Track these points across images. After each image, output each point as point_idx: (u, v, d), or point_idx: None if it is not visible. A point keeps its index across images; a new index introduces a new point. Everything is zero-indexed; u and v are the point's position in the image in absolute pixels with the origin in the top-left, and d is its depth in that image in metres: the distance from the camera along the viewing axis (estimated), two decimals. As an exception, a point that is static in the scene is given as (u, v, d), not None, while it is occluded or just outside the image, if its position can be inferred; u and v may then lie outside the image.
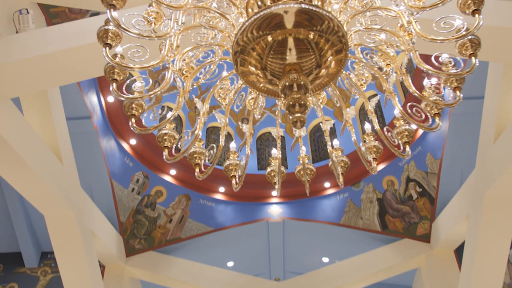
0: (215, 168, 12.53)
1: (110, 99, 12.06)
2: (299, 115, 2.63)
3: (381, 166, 13.73)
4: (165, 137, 3.44)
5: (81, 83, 10.83)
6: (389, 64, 3.63)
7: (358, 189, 14.12)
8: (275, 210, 14.56)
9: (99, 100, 11.79)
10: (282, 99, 3.67)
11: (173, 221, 13.92)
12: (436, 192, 12.68)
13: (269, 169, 4.09)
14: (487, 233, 9.59)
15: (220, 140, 3.83)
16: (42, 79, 6.68)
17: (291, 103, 2.69)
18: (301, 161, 4.05)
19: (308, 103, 2.71)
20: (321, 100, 4.14)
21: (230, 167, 3.81)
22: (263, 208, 14.58)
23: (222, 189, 14.45)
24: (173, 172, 13.85)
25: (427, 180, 12.87)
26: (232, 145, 3.99)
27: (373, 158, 3.80)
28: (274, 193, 14.66)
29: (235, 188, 3.79)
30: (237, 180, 3.79)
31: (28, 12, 6.92)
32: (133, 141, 13.01)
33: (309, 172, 3.99)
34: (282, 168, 4.02)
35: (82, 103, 10.90)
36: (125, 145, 12.86)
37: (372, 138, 3.86)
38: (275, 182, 4.03)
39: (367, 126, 4.01)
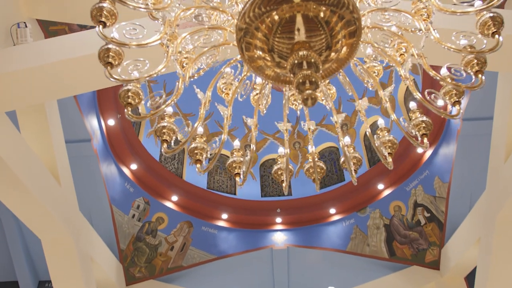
0: (217, 194, 12.32)
1: (111, 122, 11.88)
2: (309, 91, 2.38)
3: (387, 191, 13.44)
4: (163, 130, 3.19)
5: (81, 106, 10.67)
6: (403, 54, 3.38)
7: (364, 215, 13.78)
8: (279, 237, 14.19)
9: (99, 124, 11.60)
10: (291, 89, 3.46)
11: (175, 248, 13.55)
12: (445, 217, 12.34)
13: (275, 167, 3.80)
14: (500, 257, 9.23)
15: (223, 134, 3.56)
16: (39, 91, 6.49)
17: (301, 80, 2.44)
18: (310, 159, 3.75)
19: (319, 81, 2.46)
20: (332, 91, 3.85)
21: (234, 165, 3.55)
22: (267, 235, 14.22)
23: (225, 215, 14.12)
24: (174, 198, 13.56)
25: (436, 204, 12.55)
26: (236, 143, 3.73)
27: (388, 153, 3.53)
28: (278, 219, 14.33)
29: (240, 185, 3.52)
30: (241, 177, 3.52)
31: (26, 26, 6.78)
32: (133, 166, 12.77)
33: (319, 170, 3.70)
34: (290, 167, 3.74)
35: (82, 126, 10.71)
36: (125, 170, 12.61)
37: (386, 133, 3.60)
38: (283, 180, 3.74)
39: (381, 121, 3.76)
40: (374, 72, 3.70)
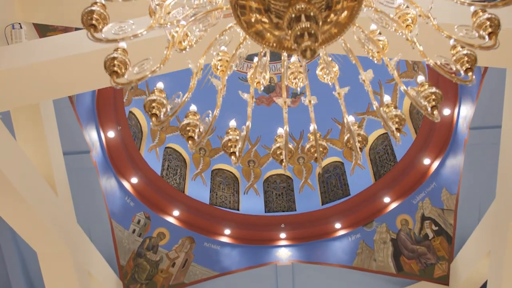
0: (219, 209, 12.00)
1: (111, 134, 11.68)
2: (308, 43, 2.15)
3: (394, 205, 13.13)
4: (153, 105, 2.97)
5: (80, 117, 10.49)
6: (409, 25, 3.16)
7: (370, 230, 13.45)
8: (284, 253, 13.84)
9: (99, 135, 11.41)
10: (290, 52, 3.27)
11: (176, 265, 13.22)
12: (454, 230, 12.00)
13: (274, 147, 3.55)
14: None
15: (215, 109, 3.34)
16: (32, 91, 6.29)
17: (298, 33, 2.22)
18: (312, 138, 3.50)
19: (319, 34, 2.23)
20: (335, 68, 3.67)
21: (229, 144, 3.31)
22: (271, 251, 13.87)
23: (227, 231, 13.81)
24: (176, 213, 13.28)
25: (444, 217, 12.22)
26: (232, 123, 3.50)
27: (396, 129, 3.32)
28: (282, 235, 14.00)
29: (234, 163, 3.28)
30: (237, 154, 3.28)
31: (21, 27, 6.64)
32: (134, 180, 12.53)
33: (322, 149, 3.44)
34: (290, 145, 3.50)
35: (80, 137, 10.51)
36: (126, 184, 12.38)
37: (393, 108, 3.38)
38: (282, 160, 3.49)
39: (387, 98, 3.54)
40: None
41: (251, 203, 15.20)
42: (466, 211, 11.63)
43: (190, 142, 3.16)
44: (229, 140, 3.31)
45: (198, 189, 14.76)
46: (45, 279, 9.16)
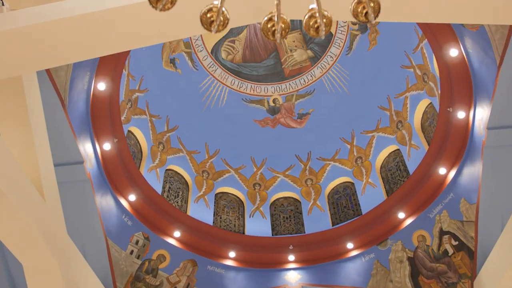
0: (224, 230, 11.17)
1: (106, 146, 11.07)
2: None
3: (409, 220, 12.32)
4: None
5: (73, 124, 9.90)
6: None
7: (385, 248, 12.57)
8: (293, 276, 12.92)
9: (94, 147, 10.80)
10: None
11: (178, 290, 12.34)
12: (475, 243, 11.11)
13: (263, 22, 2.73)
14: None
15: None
16: (12, 61, 5.69)
17: None
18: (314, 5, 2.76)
19: None
20: None
21: (209, 14, 2.60)
22: (279, 274, 12.96)
23: (232, 253, 12.97)
24: (177, 234, 12.49)
25: (463, 230, 11.35)
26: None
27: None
28: (291, 257, 13.11)
29: (214, 32, 2.60)
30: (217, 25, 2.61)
31: (3, 4, 6.16)
32: (132, 197, 11.83)
33: (325, 20, 2.69)
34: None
35: (73, 145, 9.88)
36: (123, 201, 11.67)
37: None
38: (274, 32, 2.67)
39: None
40: None
41: (257, 226, 14.39)
42: (487, 221, 10.77)
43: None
44: (210, 9, 2.59)
45: (201, 211, 14.00)
46: (32, 295, 8.35)
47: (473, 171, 10.91)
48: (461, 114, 10.92)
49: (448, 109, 11.21)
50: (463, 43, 10.11)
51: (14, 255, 8.00)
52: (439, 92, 11.63)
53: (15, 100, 7.97)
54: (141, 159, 13.54)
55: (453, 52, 10.38)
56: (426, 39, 12.61)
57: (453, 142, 11.34)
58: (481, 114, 10.35)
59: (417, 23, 11.11)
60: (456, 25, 9.83)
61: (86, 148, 10.45)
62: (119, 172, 11.42)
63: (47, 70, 8.73)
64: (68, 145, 9.84)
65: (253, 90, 16.32)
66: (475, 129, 10.70)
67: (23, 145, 8.04)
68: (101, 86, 10.35)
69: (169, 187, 14.03)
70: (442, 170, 11.66)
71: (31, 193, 7.73)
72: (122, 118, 12.48)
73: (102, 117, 10.78)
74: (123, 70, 12.67)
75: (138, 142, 13.74)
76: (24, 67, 5.99)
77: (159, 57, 14.61)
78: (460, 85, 10.65)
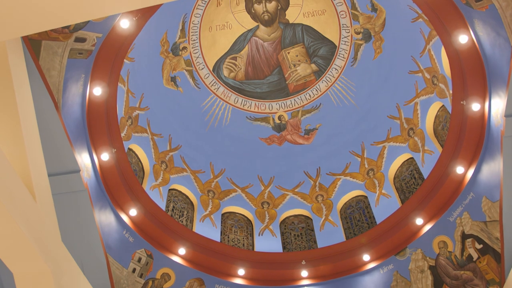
0: (232, 247, 10.42)
1: (105, 156, 10.51)
2: None
3: (428, 226, 11.59)
4: None
5: (68, 130, 9.39)
6: None
7: (404, 258, 11.77)
8: (307, 293, 12.12)
9: (91, 158, 10.25)
10: None
11: (184, 310, 11.53)
12: (502, 245, 10.30)
13: None
14: None
15: None
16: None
17: None
18: None
19: None
20: None
21: None
22: (292, 292, 12.15)
23: (241, 271, 12.18)
24: (182, 251, 11.76)
25: (487, 231, 10.58)
26: None
27: None
28: (304, 273, 12.30)
29: None
30: None
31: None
32: (133, 212, 11.19)
33: None
34: None
35: (68, 153, 9.33)
36: (123, 216, 11.03)
37: None
38: None
39: None
40: None
41: (267, 244, 13.65)
42: (513, 219, 10.05)
43: None
44: None
45: (207, 230, 13.31)
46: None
47: (493, 166, 10.25)
48: (475, 106, 10.35)
49: (462, 102, 10.65)
50: (472, 27, 9.64)
51: (3, 262, 7.38)
52: (451, 88, 11.13)
53: (4, 97, 7.54)
54: (143, 177, 12.98)
55: (463, 39, 9.90)
56: (433, 39, 12.26)
57: (469, 138, 10.73)
58: (497, 103, 9.76)
59: (423, 12, 10.68)
60: (464, 8, 9.39)
61: (83, 157, 9.91)
62: (118, 184, 10.84)
63: (39, 69, 8.33)
64: (63, 152, 9.31)
65: (258, 108, 15.88)
66: (491, 120, 10.10)
67: (12, 143, 7.55)
68: (97, 91, 9.89)
69: (173, 206, 13.40)
70: (459, 169, 11.00)
71: (22, 193, 7.17)
72: (122, 134, 12.03)
73: (99, 125, 10.27)
74: (124, 86, 12.33)
75: (140, 160, 13.22)
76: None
77: (159, 74, 14.27)
78: (473, 74, 10.13)
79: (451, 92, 11.29)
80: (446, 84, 12.00)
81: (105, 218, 10.48)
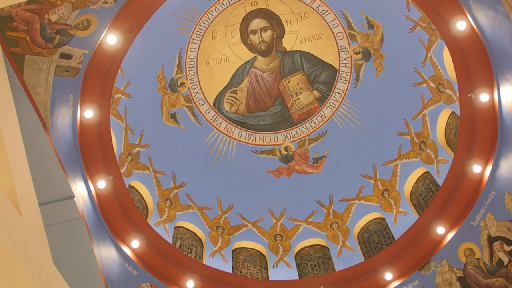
0: (245, 277, 9.74)
1: (101, 184, 10.03)
2: None
3: (451, 234, 10.81)
4: None
5: (61, 160, 8.99)
6: None
7: (429, 272, 10.91)
8: (328, 319, 11.20)
9: (87, 185, 9.77)
10: None
11: None
12: (533, 243, 9.52)
13: None
14: None
15: None
16: None
17: None
18: None
19: None
20: None
21: None
22: (312, 320, 11.24)
23: (255, 303, 11.37)
24: (190, 284, 11.01)
25: (516, 230, 9.80)
26: None
27: None
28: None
29: None
30: None
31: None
32: (135, 243, 10.57)
33: None
34: None
35: (61, 178, 8.83)
36: (125, 248, 10.42)
37: None
38: None
39: None
40: None
41: (283, 275, 12.81)
42: (541, 211, 9.30)
43: None
44: None
45: (218, 264, 12.56)
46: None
47: (511, 158, 9.61)
48: (484, 97, 9.84)
49: (469, 95, 10.15)
50: (469, 9, 9.30)
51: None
52: (457, 84, 10.68)
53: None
54: (147, 215, 12.41)
55: (461, 25, 9.55)
56: (433, 44, 11.95)
57: (482, 133, 10.15)
58: (506, 88, 9.26)
59: (418, 4, 10.38)
60: (458, -7, 9.12)
61: (77, 184, 9.46)
62: (117, 214, 10.31)
63: (23, 84, 8.05)
64: (54, 176, 8.75)
65: (263, 140, 15.46)
66: (502, 108, 9.56)
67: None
68: (88, 113, 9.58)
69: (181, 244, 12.73)
70: (476, 168, 10.34)
71: (4, 205, 6.68)
72: (122, 170, 11.62)
73: (92, 150, 9.88)
74: (122, 122, 12.05)
75: (143, 198, 12.71)
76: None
77: (158, 111, 14.02)
78: (477, 62, 9.70)
79: (457, 94, 10.83)
80: (452, 88, 11.55)
81: (104, 250, 9.88)
